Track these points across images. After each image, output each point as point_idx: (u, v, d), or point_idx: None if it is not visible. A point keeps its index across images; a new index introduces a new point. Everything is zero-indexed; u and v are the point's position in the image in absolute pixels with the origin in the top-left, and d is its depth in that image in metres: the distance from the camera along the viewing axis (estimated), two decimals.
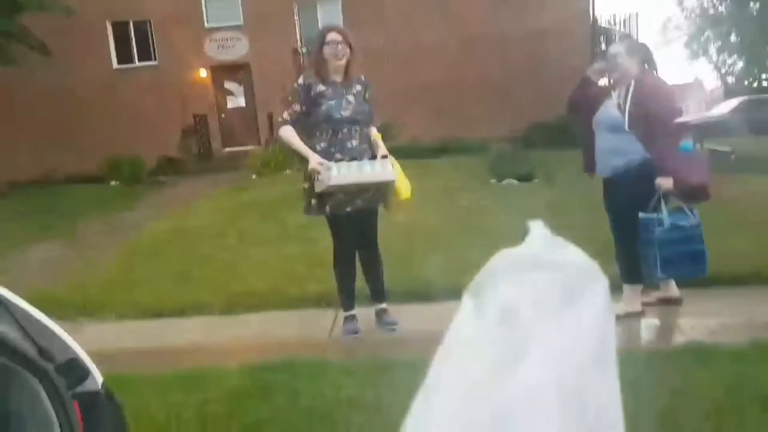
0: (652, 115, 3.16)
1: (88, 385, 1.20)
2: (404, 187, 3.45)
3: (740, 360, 2.65)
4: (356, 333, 3.46)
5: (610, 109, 3.38)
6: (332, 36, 3.29)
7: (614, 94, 3.42)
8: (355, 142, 3.31)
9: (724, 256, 3.78)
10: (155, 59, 16.34)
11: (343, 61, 3.31)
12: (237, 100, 16.78)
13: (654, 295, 3.59)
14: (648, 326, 3.51)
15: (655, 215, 3.22)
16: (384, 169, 3.30)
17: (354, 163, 3.23)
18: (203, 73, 16.18)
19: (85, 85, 15.78)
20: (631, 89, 3.27)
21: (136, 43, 16.46)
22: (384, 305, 3.57)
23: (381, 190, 3.40)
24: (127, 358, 3.28)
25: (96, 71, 15.96)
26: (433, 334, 3.26)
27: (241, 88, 16.68)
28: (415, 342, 3.17)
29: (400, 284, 3.88)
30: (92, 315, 4.09)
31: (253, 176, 11.51)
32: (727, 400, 2.27)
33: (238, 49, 16.13)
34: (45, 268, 5.72)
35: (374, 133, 3.47)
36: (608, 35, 17.49)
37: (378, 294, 3.57)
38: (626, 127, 3.25)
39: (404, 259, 4.45)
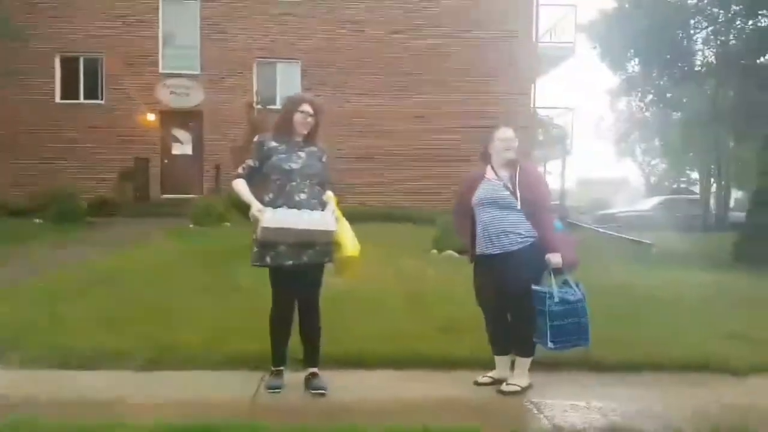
0: (539, 198, 3.52)
1: None
2: (351, 244, 3.49)
3: None
4: (279, 389, 3.41)
5: (498, 190, 3.57)
6: (306, 108, 3.47)
7: (490, 175, 3.63)
8: (303, 196, 3.37)
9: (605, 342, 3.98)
10: (101, 98, 16.03)
11: (307, 130, 3.49)
12: (183, 148, 16.51)
13: (488, 376, 3.67)
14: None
15: (546, 289, 3.40)
16: (324, 218, 3.34)
17: (293, 210, 3.29)
18: (151, 116, 15.96)
19: (26, 116, 15.25)
20: (518, 174, 3.57)
21: (84, 80, 16.14)
22: (315, 369, 3.53)
23: (326, 246, 3.41)
24: (30, 407, 3.05)
25: (39, 103, 15.48)
26: (360, 403, 3.24)
27: (190, 135, 16.51)
28: (339, 411, 3.17)
29: (333, 349, 3.81)
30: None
31: (191, 225, 11.26)
32: None
33: (191, 98, 16.07)
34: None
35: (328, 195, 3.54)
36: (547, 126, 18.72)
37: (311, 357, 3.54)
38: (518, 206, 3.49)
39: (337, 325, 4.41)
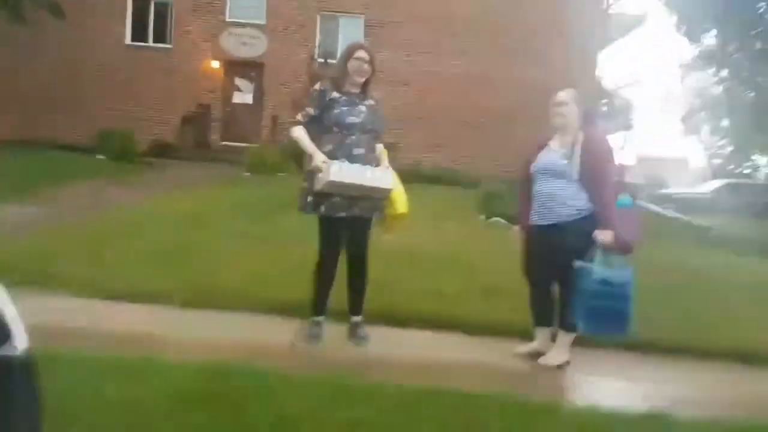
0: (599, 169, 3.30)
1: (5, 349, 1.14)
2: (402, 201, 3.53)
3: None
4: (318, 339, 3.47)
5: (555, 158, 3.43)
6: (360, 54, 3.45)
7: (554, 144, 3.49)
8: (361, 150, 3.39)
9: (651, 323, 3.83)
10: (170, 42, 16.34)
11: (364, 78, 3.46)
12: (244, 97, 16.75)
13: (529, 347, 3.60)
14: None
15: (589, 265, 3.23)
16: (384, 176, 3.38)
17: (356, 166, 3.31)
18: (215, 64, 16.22)
19: (94, 57, 15.72)
20: (580, 141, 3.37)
21: (154, 24, 16.46)
22: (360, 318, 3.59)
23: (379, 201, 3.45)
24: (70, 336, 3.16)
25: (108, 44, 15.91)
26: (397, 361, 3.29)
27: (252, 85, 16.68)
28: (377, 367, 3.21)
29: (376, 304, 3.84)
30: (45, 286, 3.91)
31: (246, 173, 11.49)
32: None
33: (255, 48, 16.20)
34: (11, 230, 5.55)
35: (380, 148, 3.57)
36: (611, 97, 18.01)
37: (357, 307, 3.60)
38: (575, 177, 3.33)
39: (381, 280, 4.46)
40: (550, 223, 3.41)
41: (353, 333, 3.57)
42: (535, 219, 3.50)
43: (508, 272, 4.06)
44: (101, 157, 12.44)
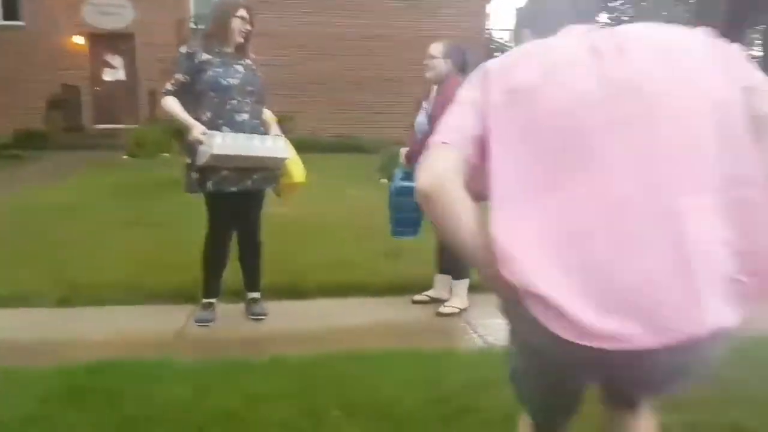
0: (438, 115, 3.25)
1: None
2: (299, 170, 3.31)
3: None
4: (209, 322, 3.23)
5: (420, 119, 3.45)
6: (242, 12, 3.14)
7: (425, 102, 3.49)
8: (245, 116, 3.08)
9: None
10: (22, 19, 14.66)
11: (243, 38, 3.16)
12: (116, 73, 15.41)
13: (426, 294, 3.66)
14: None
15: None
16: (276, 145, 3.11)
17: (242, 135, 3.00)
18: (79, 40, 14.73)
19: None
20: (435, 92, 3.36)
21: (3, 1, 14.68)
22: (257, 294, 3.41)
23: (273, 172, 3.19)
24: None
25: None
26: (299, 332, 3.10)
27: (122, 60, 15.37)
28: (278, 340, 3.03)
29: (274, 279, 3.66)
30: None
31: (125, 156, 10.64)
32: None
33: (121, 18, 14.80)
34: None
35: (268, 114, 3.28)
36: (503, 50, 18.38)
37: (252, 283, 3.41)
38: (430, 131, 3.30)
39: (282, 253, 4.23)
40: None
41: (250, 310, 3.38)
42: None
43: None
44: None
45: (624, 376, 1.12)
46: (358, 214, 5.97)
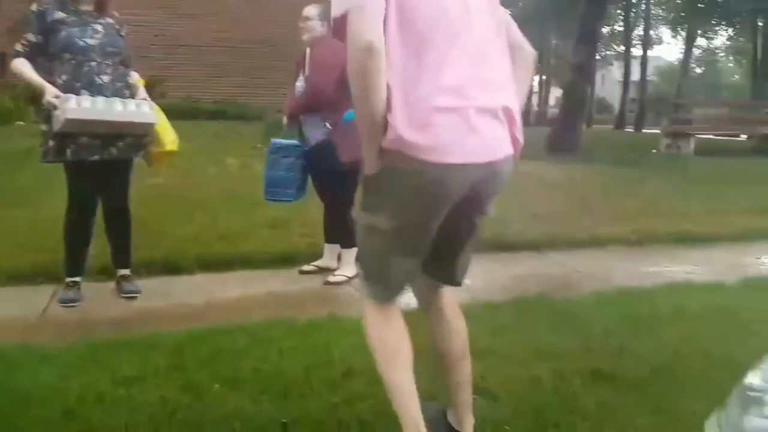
0: (314, 77, 3.28)
1: None
2: (170, 138, 3.09)
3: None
4: (75, 302, 3.00)
5: (300, 80, 3.44)
6: None
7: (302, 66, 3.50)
8: (106, 78, 2.86)
9: None
10: None
11: None
12: None
13: (314, 264, 3.64)
14: None
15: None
16: (140, 109, 2.88)
17: (100, 99, 2.78)
18: None
19: None
20: (308, 56, 3.39)
21: None
22: (128, 271, 3.21)
23: (139, 139, 2.97)
24: None
25: None
26: (174, 309, 2.95)
27: None
28: (150, 318, 2.86)
29: (147, 254, 3.47)
30: None
31: None
32: None
33: None
34: None
35: (135, 77, 3.05)
36: None
37: (122, 259, 3.20)
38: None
39: (157, 227, 3.98)
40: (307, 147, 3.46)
41: (121, 288, 3.16)
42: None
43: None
44: None
45: (475, 194, 1.51)
46: (239, 183, 5.79)
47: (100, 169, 2.92)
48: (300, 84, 3.40)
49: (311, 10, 3.34)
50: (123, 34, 3.02)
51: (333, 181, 3.37)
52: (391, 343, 1.61)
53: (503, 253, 4.05)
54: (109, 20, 2.96)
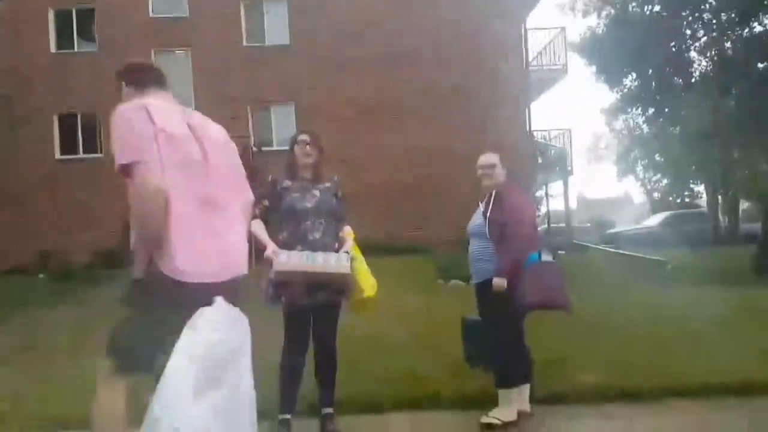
0: (508, 225, 3.39)
1: None
2: (368, 285, 3.37)
3: None
4: None
5: (476, 218, 3.62)
6: (302, 137, 3.48)
7: (482, 204, 3.63)
8: (317, 235, 3.31)
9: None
10: (101, 152, 16.05)
11: (311, 160, 3.44)
12: None
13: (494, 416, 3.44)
14: None
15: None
16: (338, 262, 3.25)
17: (305, 253, 3.22)
18: None
19: (26, 174, 15.32)
20: (493, 198, 3.52)
21: (82, 135, 16.26)
22: (331, 410, 3.40)
23: (343, 287, 3.31)
24: None
25: (38, 160, 15.57)
26: None
27: None
28: None
29: (344, 391, 3.63)
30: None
31: None
32: None
33: None
34: None
35: (346, 230, 3.48)
36: (543, 149, 18.66)
37: (327, 398, 3.41)
38: (488, 235, 3.45)
39: (347, 364, 4.20)
40: (476, 282, 3.60)
41: (324, 426, 3.35)
42: (472, 278, 3.68)
43: None
44: (42, 276, 11.91)
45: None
46: (420, 322, 5.92)
47: (311, 313, 3.29)
48: (479, 223, 3.57)
49: (493, 159, 3.63)
50: (339, 195, 3.49)
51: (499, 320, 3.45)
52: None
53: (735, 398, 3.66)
54: (327, 185, 3.46)
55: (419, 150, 15.80)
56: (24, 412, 3.73)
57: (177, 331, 2.01)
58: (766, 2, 14.01)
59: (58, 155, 16.22)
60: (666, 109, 17.79)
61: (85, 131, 16.27)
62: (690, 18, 15.91)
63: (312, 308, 3.28)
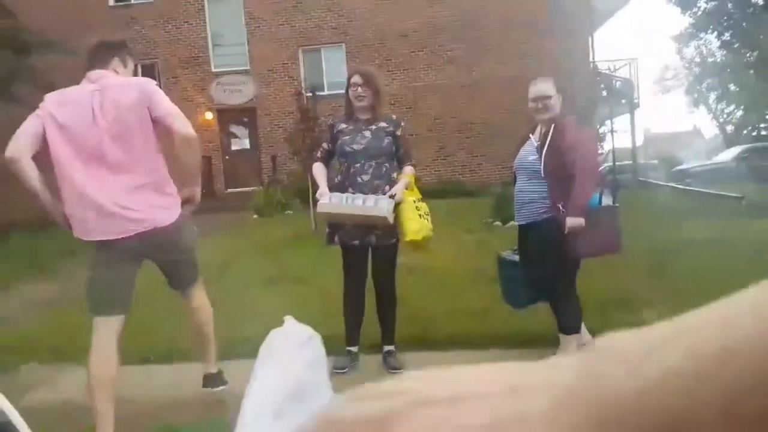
0: (576, 160, 2.97)
1: None
2: (413, 229, 3.28)
3: None
4: (344, 369, 3.33)
5: (527, 154, 3.22)
6: (355, 78, 3.42)
7: (533, 136, 3.24)
8: (366, 177, 3.31)
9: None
10: None
11: (365, 103, 3.39)
12: (241, 143, 16.86)
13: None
14: None
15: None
16: (377, 205, 3.21)
17: (346, 195, 3.25)
18: (209, 115, 16.31)
19: None
20: (551, 134, 3.08)
21: None
22: (392, 347, 3.52)
23: (390, 229, 3.30)
24: None
25: None
26: None
27: (246, 130, 16.77)
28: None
29: (404, 329, 3.69)
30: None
31: (254, 216, 11.46)
32: None
33: (244, 93, 16.30)
34: (31, 309, 5.46)
35: (405, 171, 3.42)
36: (608, 81, 17.71)
37: (387, 335, 3.52)
38: (542, 172, 3.09)
39: (406, 302, 4.27)
40: (522, 223, 3.27)
41: (387, 363, 3.49)
42: (517, 219, 3.35)
43: None
44: None
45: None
46: (478, 258, 5.92)
47: (365, 252, 3.35)
48: (531, 159, 3.20)
49: (548, 88, 3.16)
50: (398, 133, 3.39)
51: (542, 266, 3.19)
52: None
53: None
54: (382, 124, 3.38)
55: (473, 87, 15.38)
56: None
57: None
58: None
59: None
60: (743, 32, 16.41)
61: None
62: None
63: (365, 248, 3.33)
